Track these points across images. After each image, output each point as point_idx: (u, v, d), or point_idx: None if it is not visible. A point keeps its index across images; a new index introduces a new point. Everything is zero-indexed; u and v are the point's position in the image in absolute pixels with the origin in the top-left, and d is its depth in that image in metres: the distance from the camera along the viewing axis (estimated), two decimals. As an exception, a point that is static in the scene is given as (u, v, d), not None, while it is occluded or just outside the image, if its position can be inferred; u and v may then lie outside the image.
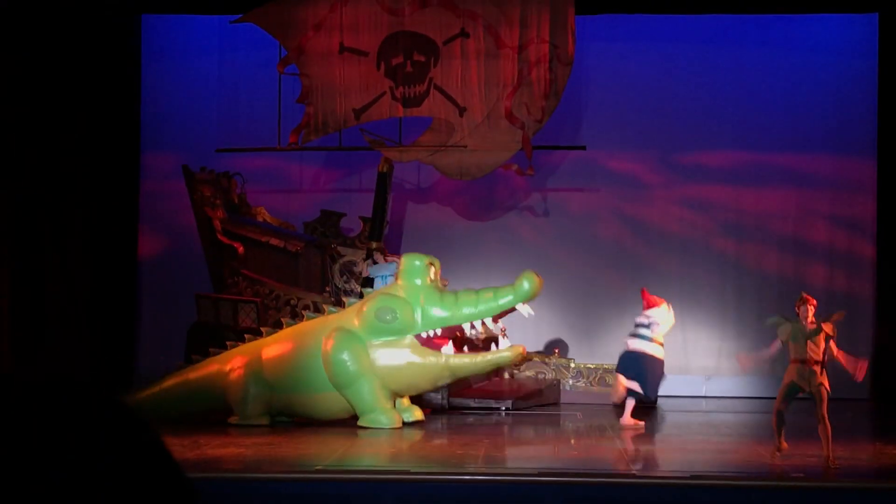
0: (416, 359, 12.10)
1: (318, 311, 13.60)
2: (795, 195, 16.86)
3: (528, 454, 11.63)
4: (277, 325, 13.10)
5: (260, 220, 16.35)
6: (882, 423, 13.61)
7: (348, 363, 12.03)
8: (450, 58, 15.23)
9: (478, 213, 17.23)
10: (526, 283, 11.83)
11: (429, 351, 12.11)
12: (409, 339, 12.10)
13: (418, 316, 12.04)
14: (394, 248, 16.64)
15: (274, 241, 15.82)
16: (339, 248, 15.96)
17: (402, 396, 12.53)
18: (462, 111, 15.24)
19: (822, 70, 16.73)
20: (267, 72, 15.99)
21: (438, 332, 12.12)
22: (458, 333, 12.37)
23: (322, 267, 16.10)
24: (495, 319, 12.12)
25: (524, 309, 12.03)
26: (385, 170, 15.44)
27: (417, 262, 12.26)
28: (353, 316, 12.31)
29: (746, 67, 16.84)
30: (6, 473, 1.30)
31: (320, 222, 16.47)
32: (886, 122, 16.28)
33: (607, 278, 17.00)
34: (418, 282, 12.19)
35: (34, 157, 15.30)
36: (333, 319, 12.47)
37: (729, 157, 16.93)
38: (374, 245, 15.26)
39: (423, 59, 15.30)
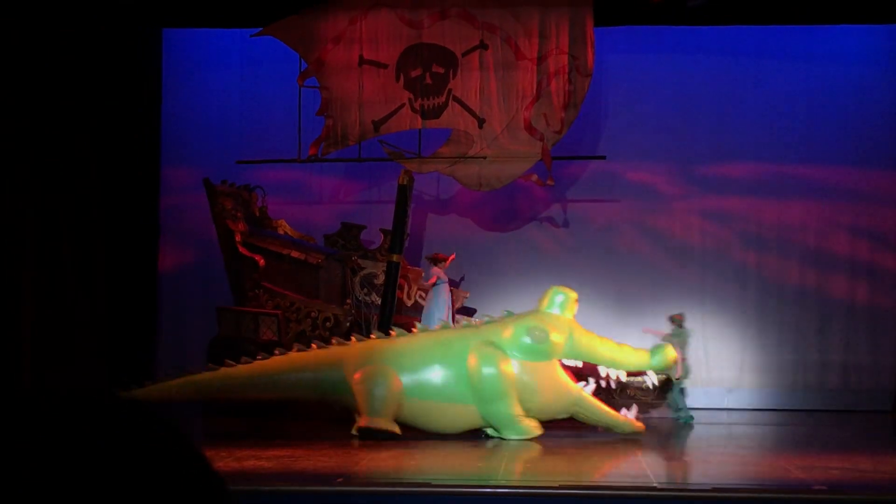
0: (558, 383, 12.41)
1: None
2: (816, 207, 16.79)
3: (548, 467, 11.60)
4: (405, 329, 13.11)
5: (281, 232, 16.37)
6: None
7: (498, 379, 12.25)
8: (469, 69, 15.23)
9: (498, 224, 17.22)
10: (658, 358, 12.36)
11: (570, 379, 12.46)
12: (555, 362, 12.41)
13: (566, 343, 12.40)
14: (415, 261, 16.65)
15: (295, 254, 15.84)
16: (360, 261, 15.98)
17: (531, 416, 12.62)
18: (481, 122, 15.24)
19: (842, 81, 16.67)
20: (287, 85, 16.02)
21: (580, 364, 12.48)
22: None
23: (342, 279, 16.11)
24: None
25: (652, 378, 12.63)
26: (405, 182, 15.45)
27: (563, 296, 12.72)
28: (499, 331, 12.50)
29: (767, 79, 16.80)
30: (32, 488, 1.31)
31: (341, 235, 16.49)
32: (908, 133, 16.21)
33: (627, 290, 16.96)
34: (559, 312, 12.64)
35: (55, 171, 15.36)
36: (476, 332, 12.64)
37: (749, 169, 16.88)
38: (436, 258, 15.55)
39: (442, 70, 15.31)
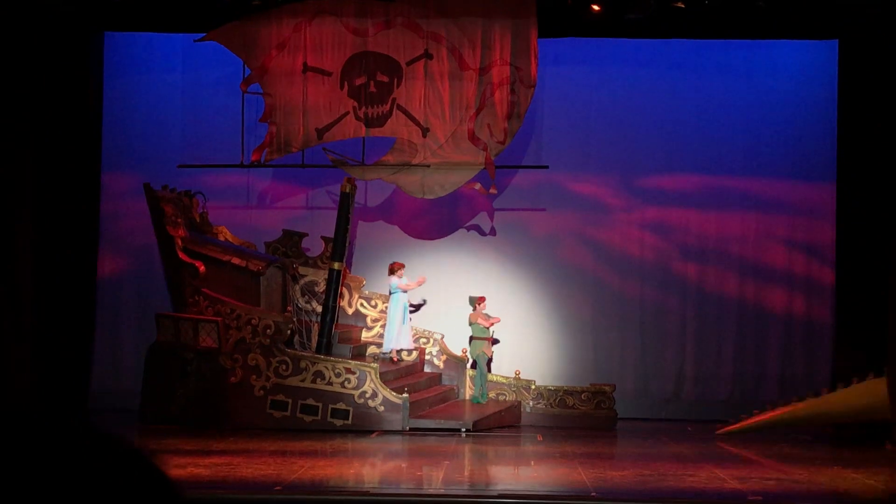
0: None
1: None
2: (755, 219, 16.96)
3: (488, 476, 11.62)
4: None
5: (221, 239, 16.28)
6: (840, 447, 13.69)
7: None
8: (413, 79, 15.26)
9: (438, 232, 17.23)
10: None
11: None
12: None
13: None
14: (357, 269, 16.63)
15: (235, 261, 15.74)
16: (301, 268, 15.93)
17: None
18: (425, 131, 15.27)
19: (782, 96, 16.86)
20: (230, 90, 15.95)
21: None
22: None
23: (283, 287, 16.05)
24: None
25: None
26: (348, 190, 15.43)
27: None
28: None
29: (708, 93, 16.95)
30: None
31: (282, 242, 16.44)
32: (846, 148, 16.40)
33: (568, 300, 17.02)
34: None
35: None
36: None
37: (690, 181, 17.02)
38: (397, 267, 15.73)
39: (386, 79, 15.32)
